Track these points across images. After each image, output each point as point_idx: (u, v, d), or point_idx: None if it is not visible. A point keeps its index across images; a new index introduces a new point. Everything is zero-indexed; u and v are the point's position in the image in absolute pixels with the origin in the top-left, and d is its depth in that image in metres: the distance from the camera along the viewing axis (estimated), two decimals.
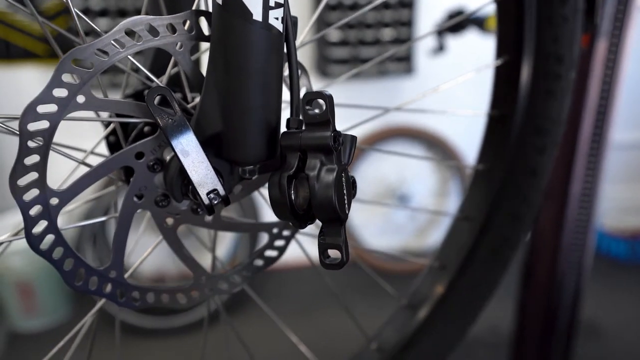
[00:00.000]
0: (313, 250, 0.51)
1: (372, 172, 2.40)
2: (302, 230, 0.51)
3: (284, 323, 0.74)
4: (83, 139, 0.82)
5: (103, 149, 0.56)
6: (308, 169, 0.42)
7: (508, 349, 1.32)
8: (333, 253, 0.43)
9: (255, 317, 1.82)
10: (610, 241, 2.41)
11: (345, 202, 0.42)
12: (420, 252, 2.50)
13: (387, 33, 2.16)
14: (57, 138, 0.42)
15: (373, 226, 2.45)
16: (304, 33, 0.58)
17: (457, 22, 1.70)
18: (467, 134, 2.25)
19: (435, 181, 2.53)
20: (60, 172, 0.51)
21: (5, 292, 1.88)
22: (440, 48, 1.88)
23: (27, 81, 2.00)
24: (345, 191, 0.42)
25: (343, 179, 0.42)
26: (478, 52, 1.82)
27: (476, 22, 1.68)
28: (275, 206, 0.43)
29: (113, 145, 0.54)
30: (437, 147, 2.39)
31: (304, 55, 2.23)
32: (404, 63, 2.20)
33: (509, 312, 1.31)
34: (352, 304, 1.83)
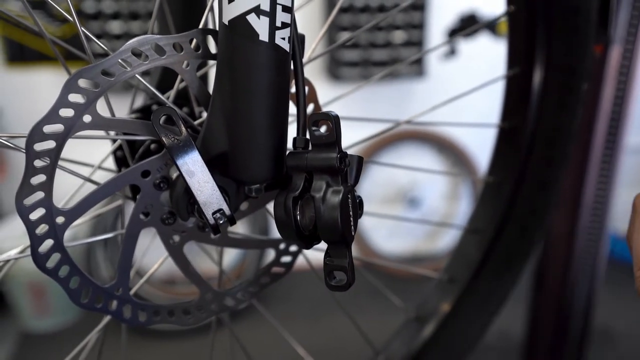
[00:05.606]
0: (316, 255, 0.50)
1: (382, 175, 2.39)
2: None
3: (292, 327, 0.73)
4: (91, 144, 0.82)
5: (110, 162, 0.56)
6: (314, 191, 0.41)
7: (518, 355, 1.30)
8: (339, 274, 0.42)
9: (261, 321, 1.82)
10: (623, 245, 2.37)
11: (352, 223, 0.42)
12: (431, 256, 2.48)
13: (399, 35, 2.14)
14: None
15: (383, 229, 2.44)
16: (311, 48, 0.57)
17: (469, 26, 1.69)
18: (478, 136, 2.23)
19: (446, 184, 2.51)
20: (66, 178, 0.51)
21: (17, 292, 1.89)
22: (452, 52, 1.87)
23: (41, 84, 2.02)
24: (351, 212, 0.42)
25: (349, 200, 0.41)
26: (490, 54, 1.81)
27: (488, 25, 1.66)
28: (281, 227, 0.43)
29: (120, 159, 0.54)
30: (447, 149, 2.38)
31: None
32: (416, 66, 2.18)
33: (520, 318, 1.30)
34: (361, 306, 1.82)
